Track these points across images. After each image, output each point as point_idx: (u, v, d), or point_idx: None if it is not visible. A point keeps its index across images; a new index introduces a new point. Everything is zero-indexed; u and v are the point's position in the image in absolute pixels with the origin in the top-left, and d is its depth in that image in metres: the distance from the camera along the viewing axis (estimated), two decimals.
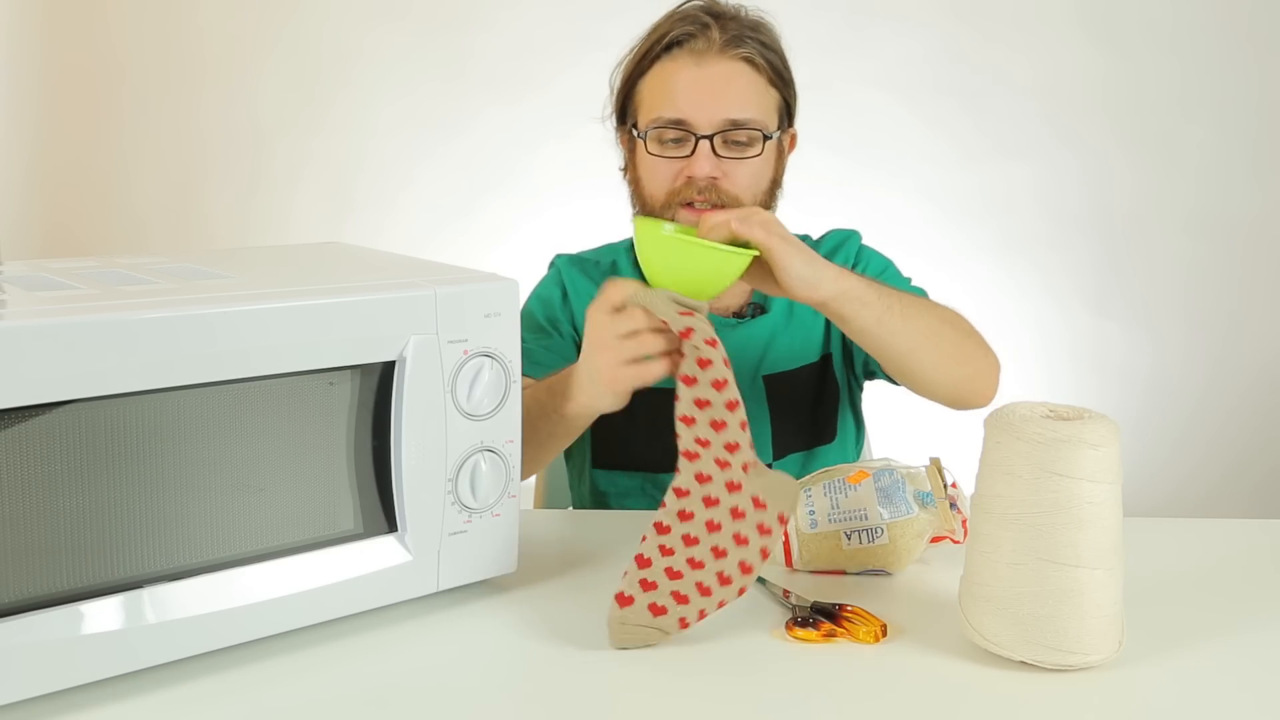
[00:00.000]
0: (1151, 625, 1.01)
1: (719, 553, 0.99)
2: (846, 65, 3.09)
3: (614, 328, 1.06)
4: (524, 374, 1.33)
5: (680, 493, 1.02)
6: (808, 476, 1.21)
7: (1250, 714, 0.89)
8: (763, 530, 0.98)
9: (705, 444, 1.01)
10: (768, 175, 1.36)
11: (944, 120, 3.16)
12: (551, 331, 1.43)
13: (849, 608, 1.01)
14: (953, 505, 1.14)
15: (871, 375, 1.45)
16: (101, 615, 0.86)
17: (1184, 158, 3.14)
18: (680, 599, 0.98)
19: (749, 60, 1.31)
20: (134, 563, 0.87)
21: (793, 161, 1.43)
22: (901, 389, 1.30)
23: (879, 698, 0.90)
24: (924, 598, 1.08)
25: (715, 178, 1.30)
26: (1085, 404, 0.99)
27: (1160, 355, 3.21)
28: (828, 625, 0.99)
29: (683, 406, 1.03)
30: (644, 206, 1.37)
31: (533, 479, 1.58)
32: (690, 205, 1.32)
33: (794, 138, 1.41)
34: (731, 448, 1.00)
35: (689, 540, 1.00)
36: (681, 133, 1.30)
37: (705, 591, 0.98)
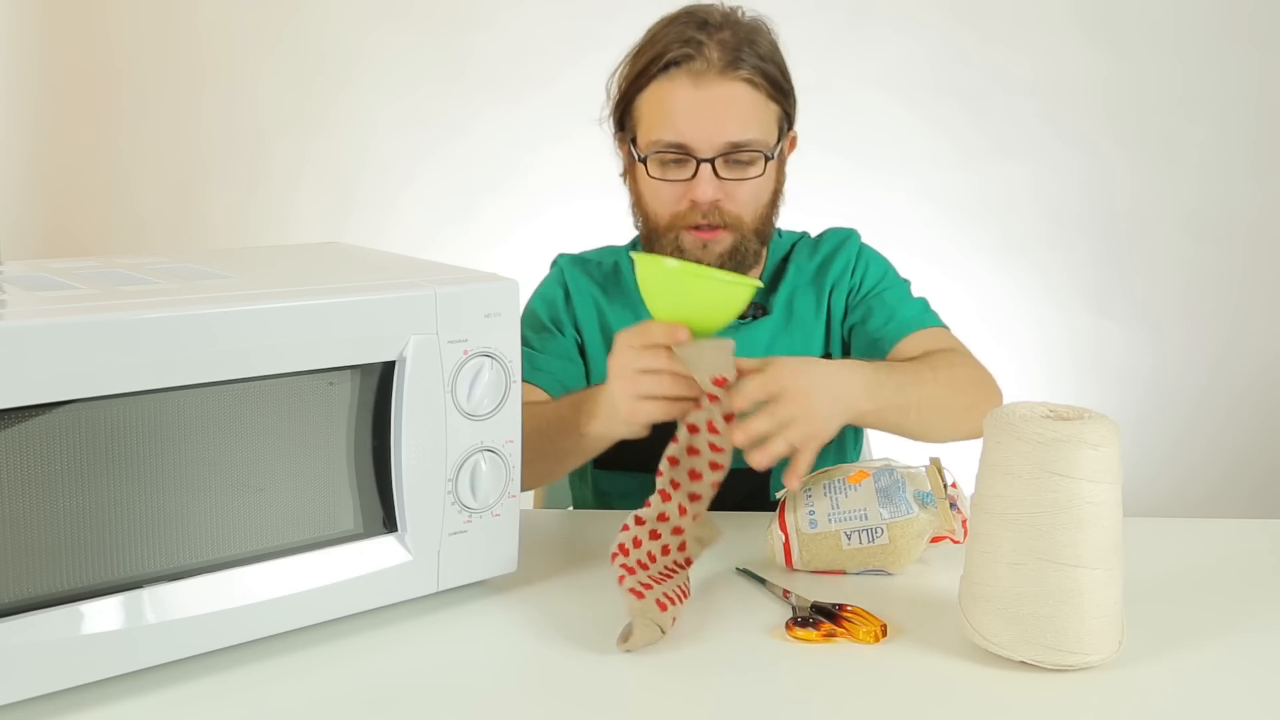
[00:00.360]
0: (1151, 625, 1.01)
1: (669, 572, 1.06)
2: (846, 65, 3.09)
3: (637, 361, 1.09)
4: (526, 379, 1.33)
5: (639, 520, 1.09)
6: (808, 477, 1.21)
7: (1250, 714, 0.89)
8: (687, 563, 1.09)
9: (676, 486, 1.08)
10: (769, 189, 1.36)
11: (944, 120, 3.16)
12: (554, 331, 1.43)
13: (849, 608, 1.01)
14: (953, 505, 1.14)
15: None
16: (101, 615, 0.86)
17: (1184, 157, 3.14)
18: (670, 599, 1.00)
19: (748, 81, 1.29)
20: (134, 563, 0.87)
21: (793, 162, 1.43)
22: None
23: (879, 698, 0.90)
24: (924, 598, 1.08)
25: (717, 200, 1.30)
26: (1085, 404, 0.99)
27: (1160, 355, 3.21)
28: (828, 625, 0.99)
29: (674, 448, 1.09)
30: (646, 225, 1.37)
31: None
32: (697, 228, 1.32)
33: (794, 139, 1.41)
34: (694, 497, 1.09)
35: (647, 561, 1.07)
36: (682, 155, 1.30)
37: (672, 600, 1.02)
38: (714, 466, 1.08)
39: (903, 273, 1.48)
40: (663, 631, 0.96)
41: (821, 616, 1.00)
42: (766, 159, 1.32)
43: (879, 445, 1.66)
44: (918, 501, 1.14)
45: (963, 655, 0.96)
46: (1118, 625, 0.94)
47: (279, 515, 0.94)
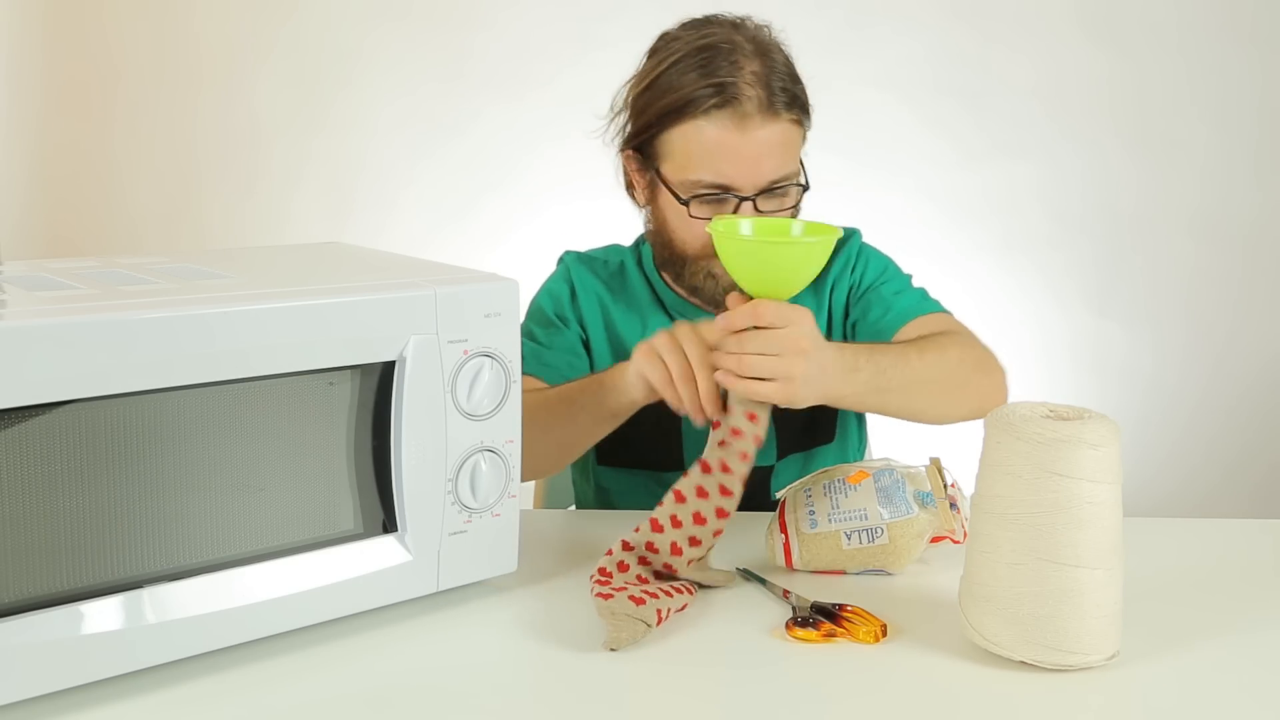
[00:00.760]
0: (1151, 625, 1.01)
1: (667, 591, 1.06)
2: (846, 65, 3.09)
3: (688, 344, 1.12)
4: (530, 372, 1.34)
5: (626, 546, 1.09)
6: (808, 477, 1.21)
7: (1250, 714, 0.89)
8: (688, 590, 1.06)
9: (677, 524, 1.07)
10: (791, 212, 1.36)
11: (944, 120, 3.16)
12: (560, 325, 1.43)
13: (849, 608, 1.01)
14: (953, 505, 1.14)
15: None
16: (101, 615, 0.86)
17: (1185, 158, 3.14)
18: (650, 594, 1.00)
19: (790, 120, 1.29)
20: (134, 563, 0.87)
21: None
22: None
23: (879, 698, 0.90)
24: (924, 598, 1.08)
25: None
26: (1085, 404, 0.99)
27: (1161, 355, 3.21)
28: (828, 625, 0.99)
29: (684, 484, 1.09)
30: (672, 250, 1.37)
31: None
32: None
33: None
34: (694, 541, 1.08)
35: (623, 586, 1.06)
36: (722, 194, 1.29)
37: (667, 593, 1.02)
38: (720, 513, 1.08)
39: (903, 270, 1.48)
40: (647, 625, 0.96)
41: (821, 616, 1.00)
42: (804, 189, 1.34)
43: (879, 446, 1.66)
44: (918, 501, 1.14)
45: (963, 655, 0.96)
46: (1118, 625, 0.94)
47: (279, 515, 0.94)
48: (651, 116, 1.32)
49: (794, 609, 1.03)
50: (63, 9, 3.40)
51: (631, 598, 0.98)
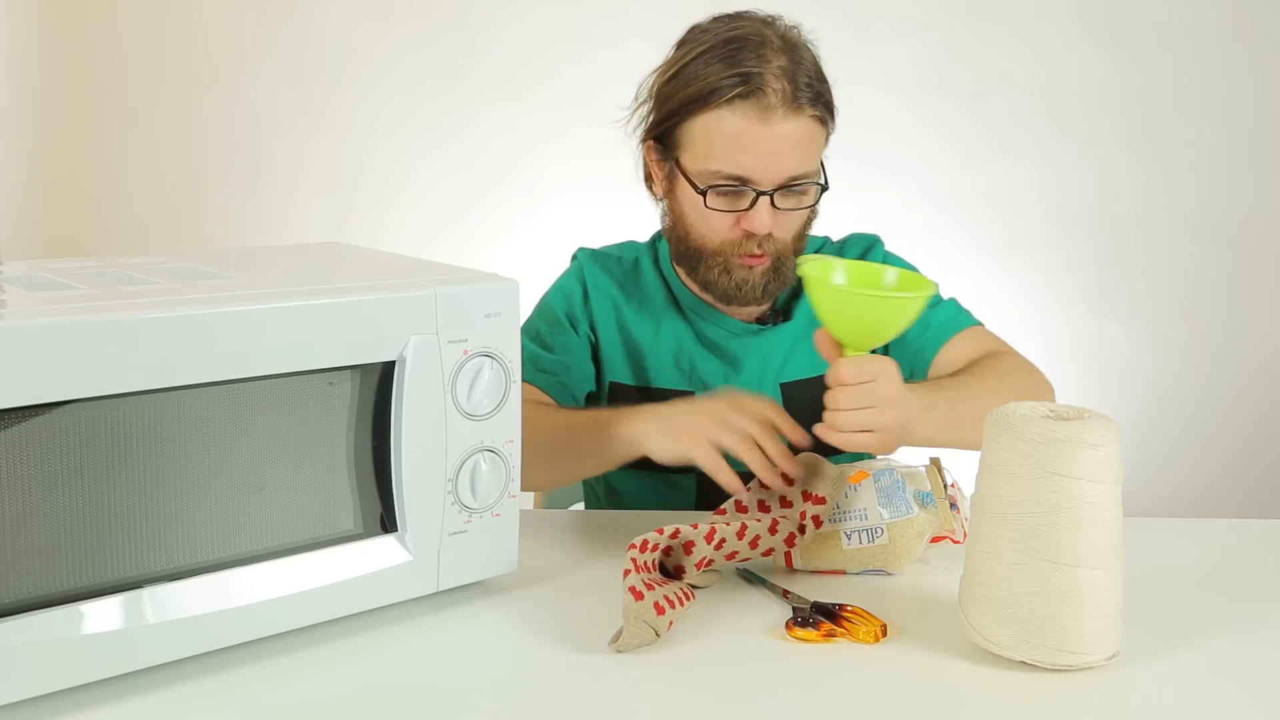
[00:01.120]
0: (1151, 625, 1.01)
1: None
2: (846, 65, 3.08)
3: (736, 416, 1.12)
4: (529, 380, 1.33)
5: (674, 534, 1.08)
6: None
7: (1249, 714, 0.89)
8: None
9: (719, 544, 1.07)
10: (809, 211, 1.36)
11: (944, 120, 3.16)
12: (569, 327, 1.42)
13: (849, 608, 1.01)
14: (953, 505, 1.14)
15: None
16: (101, 615, 0.86)
17: (1185, 158, 3.14)
18: (671, 603, 0.99)
19: (813, 117, 1.29)
20: (134, 563, 0.87)
21: None
22: None
23: (879, 698, 0.90)
24: (924, 598, 1.08)
25: (771, 230, 1.30)
26: (1086, 404, 0.99)
27: (1161, 355, 3.21)
28: (828, 625, 0.99)
29: (728, 505, 1.14)
30: (688, 244, 1.36)
31: None
32: (745, 254, 1.32)
33: None
34: (730, 555, 1.10)
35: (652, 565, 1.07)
36: (740, 187, 1.29)
37: (680, 600, 1.02)
38: (753, 543, 1.09)
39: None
40: (657, 634, 0.96)
41: (821, 616, 1.00)
42: (822, 189, 1.33)
43: None
44: (918, 501, 1.14)
45: (963, 655, 0.96)
46: (1118, 625, 0.94)
47: (279, 515, 0.94)
48: (674, 105, 1.31)
49: (794, 609, 1.03)
50: (63, 9, 3.40)
51: (656, 604, 0.98)
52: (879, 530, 1.12)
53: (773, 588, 1.09)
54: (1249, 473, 3.20)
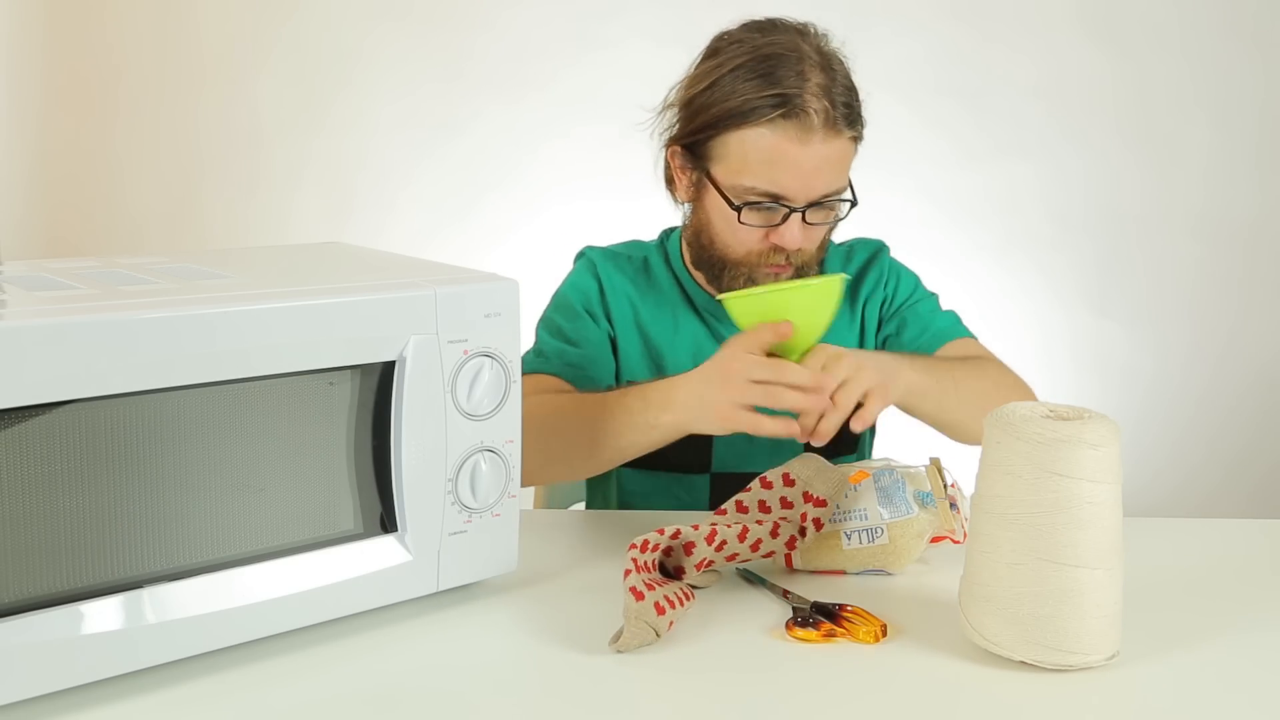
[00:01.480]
0: (1151, 625, 1.01)
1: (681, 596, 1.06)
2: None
3: (752, 369, 1.12)
4: (554, 372, 1.33)
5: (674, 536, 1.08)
6: None
7: (1249, 714, 0.89)
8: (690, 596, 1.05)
9: (717, 545, 1.07)
10: (832, 225, 1.36)
11: (944, 120, 3.16)
12: (589, 320, 1.41)
13: (849, 608, 1.01)
14: (953, 505, 1.14)
15: None
16: (101, 615, 0.86)
17: (1186, 158, 3.14)
18: (671, 603, 0.99)
19: (850, 138, 1.30)
20: (134, 563, 0.87)
21: None
22: None
23: (879, 698, 0.90)
24: (924, 598, 1.08)
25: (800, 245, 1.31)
26: (1086, 404, 0.99)
27: (1161, 355, 3.21)
28: (828, 625, 0.99)
29: (729, 505, 1.14)
30: (712, 253, 1.36)
31: None
32: (772, 265, 1.32)
33: None
34: (730, 556, 1.10)
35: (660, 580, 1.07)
36: (773, 203, 1.28)
37: (680, 600, 1.02)
38: (754, 547, 1.10)
39: (929, 287, 1.51)
40: (657, 634, 0.96)
41: (821, 616, 1.00)
42: (852, 205, 1.34)
43: (879, 446, 1.66)
44: (918, 501, 1.14)
45: (963, 655, 0.96)
46: (1117, 625, 0.94)
47: (279, 515, 0.94)
48: (709, 118, 1.29)
49: (794, 609, 1.03)
50: (64, 8, 3.40)
51: (656, 604, 0.98)
52: (879, 530, 1.12)
53: (773, 588, 1.09)
54: (1249, 473, 3.20)
